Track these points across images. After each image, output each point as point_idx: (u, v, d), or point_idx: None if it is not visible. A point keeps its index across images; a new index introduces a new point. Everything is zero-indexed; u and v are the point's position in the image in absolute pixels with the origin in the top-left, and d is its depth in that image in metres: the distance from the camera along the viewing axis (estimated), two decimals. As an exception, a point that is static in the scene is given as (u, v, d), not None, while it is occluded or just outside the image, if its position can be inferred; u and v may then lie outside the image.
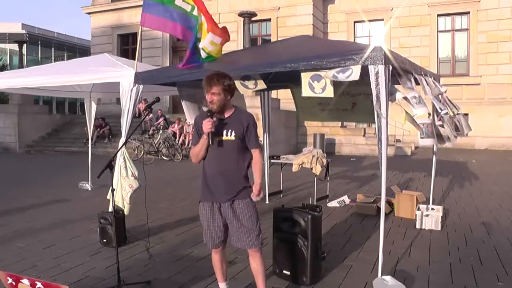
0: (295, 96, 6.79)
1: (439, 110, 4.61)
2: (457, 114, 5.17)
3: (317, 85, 3.62)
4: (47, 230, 5.33)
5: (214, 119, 2.85)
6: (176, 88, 5.73)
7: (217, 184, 2.91)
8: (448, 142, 4.80)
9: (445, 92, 5.17)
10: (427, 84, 4.55)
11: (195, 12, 4.33)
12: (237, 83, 4.69)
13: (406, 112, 3.82)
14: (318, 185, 6.62)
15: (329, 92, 3.59)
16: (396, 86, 4.21)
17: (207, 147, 2.89)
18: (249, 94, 4.04)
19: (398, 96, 3.67)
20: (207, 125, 2.80)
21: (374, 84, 3.33)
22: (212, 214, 2.95)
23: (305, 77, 3.67)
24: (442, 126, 4.70)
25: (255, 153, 2.98)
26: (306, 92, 3.72)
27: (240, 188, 2.91)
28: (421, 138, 3.97)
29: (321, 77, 3.58)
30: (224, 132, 2.87)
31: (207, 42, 4.35)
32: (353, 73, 3.41)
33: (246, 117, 2.97)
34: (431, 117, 4.11)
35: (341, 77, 3.48)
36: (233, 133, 2.87)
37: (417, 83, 4.28)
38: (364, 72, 3.42)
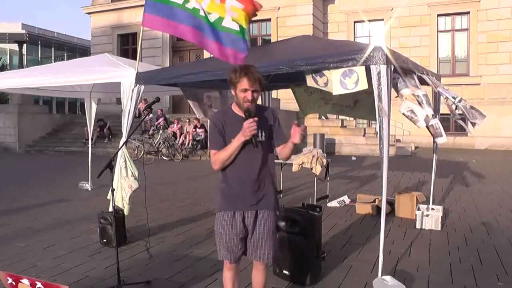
0: (296, 94, 6.78)
1: (452, 99, 4.55)
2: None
3: (349, 80, 3.48)
4: (47, 230, 5.33)
5: (256, 118, 2.46)
6: (179, 88, 5.74)
7: (245, 191, 2.58)
8: (471, 128, 4.79)
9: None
10: (432, 82, 4.55)
11: (188, 5, 4.24)
12: None
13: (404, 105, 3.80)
14: (318, 185, 6.62)
15: (363, 84, 3.41)
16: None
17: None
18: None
19: (406, 92, 3.64)
20: (252, 127, 2.42)
21: (376, 84, 3.32)
22: (233, 225, 2.60)
23: (336, 74, 3.52)
24: (462, 115, 4.67)
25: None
26: (337, 90, 3.56)
27: (269, 196, 2.65)
28: (435, 138, 3.97)
29: (353, 71, 3.42)
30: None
31: (228, 8, 4.09)
32: (360, 80, 3.37)
33: (271, 113, 2.68)
34: (435, 117, 4.11)
35: (350, 84, 3.43)
36: (263, 133, 2.56)
37: (421, 82, 4.27)
38: (366, 71, 3.41)
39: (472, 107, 4.73)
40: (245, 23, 4.22)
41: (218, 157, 2.54)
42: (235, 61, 4.07)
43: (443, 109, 5.38)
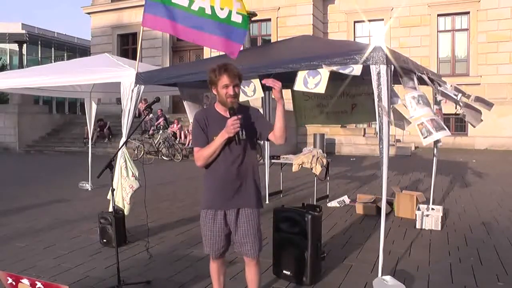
0: (294, 97, 6.78)
1: (454, 97, 4.59)
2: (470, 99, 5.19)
3: (312, 80, 3.61)
4: (47, 230, 5.33)
5: (240, 116, 2.51)
6: (178, 88, 5.72)
7: (227, 189, 2.64)
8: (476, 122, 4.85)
9: (450, 86, 5.20)
10: (432, 82, 4.55)
11: (193, 7, 4.27)
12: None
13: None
14: (318, 185, 6.62)
15: (321, 89, 3.58)
16: (397, 85, 4.21)
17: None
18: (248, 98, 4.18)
19: (397, 102, 3.68)
20: (236, 125, 2.47)
21: (375, 84, 3.32)
22: (215, 223, 2.68)
23: (302, 72, 3.65)
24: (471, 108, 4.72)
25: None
26: (298, 86, 3.71)
27: (251, 193, 2.69)
28: (424, 138, 3.93)
29: (318, 73, 3.57)
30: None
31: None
32: (321, 83, 3.51)
33: (252, 112, 2.74)
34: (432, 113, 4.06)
35: (310, 84, 3.59)
36: (245, 132, 2.60)
37: (420, 82, 4.26)
38: (366, 71, 3.42)
39: (477, 98, 4.78)
40: (245, 10, 4.32)
41: (202, 153, 2.60)
42: (233, 53, 4.15)
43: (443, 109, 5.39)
